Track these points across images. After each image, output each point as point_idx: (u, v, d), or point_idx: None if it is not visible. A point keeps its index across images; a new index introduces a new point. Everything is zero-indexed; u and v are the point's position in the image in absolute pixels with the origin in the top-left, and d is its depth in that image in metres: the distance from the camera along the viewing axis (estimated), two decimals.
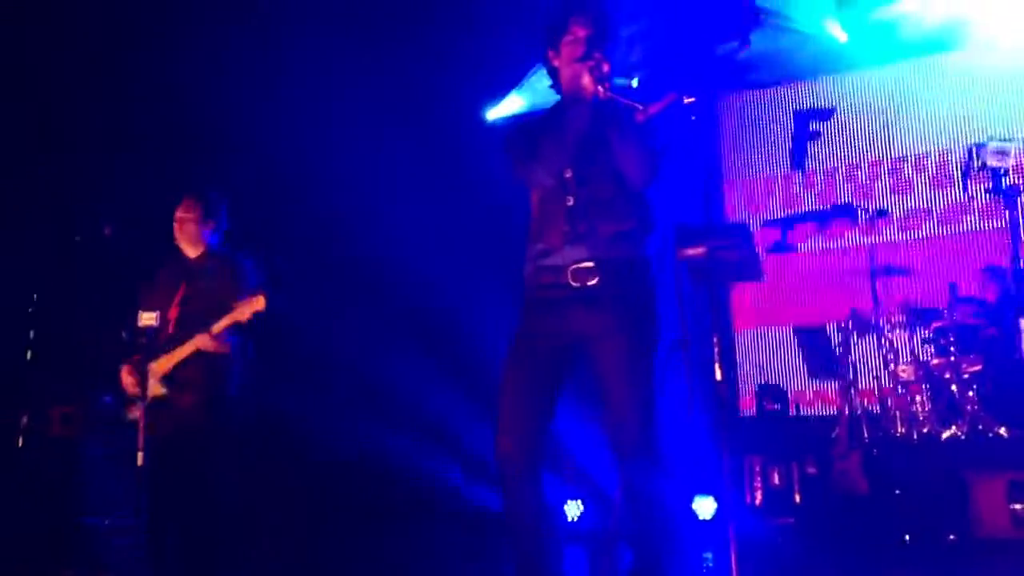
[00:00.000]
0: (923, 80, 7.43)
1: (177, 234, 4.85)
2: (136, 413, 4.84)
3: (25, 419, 5.04)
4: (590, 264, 3.31)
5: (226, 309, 4.51)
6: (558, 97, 3.59)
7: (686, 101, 3.15)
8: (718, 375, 3.04)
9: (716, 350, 3.07)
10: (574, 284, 3.32)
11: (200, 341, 4.53)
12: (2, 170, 6.08)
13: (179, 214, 4.85)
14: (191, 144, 6.71)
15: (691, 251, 3.08)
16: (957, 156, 7.19)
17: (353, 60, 6.89)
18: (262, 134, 6.61)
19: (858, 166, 7.60)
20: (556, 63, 3.55)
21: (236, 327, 4.53)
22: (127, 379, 4.77)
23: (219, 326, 4.50)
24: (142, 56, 6.39)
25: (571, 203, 3.37)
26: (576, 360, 3.40)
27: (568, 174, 3.39)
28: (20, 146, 6.09)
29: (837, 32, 7.40)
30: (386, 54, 7.11)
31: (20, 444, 5.03)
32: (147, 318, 4.36)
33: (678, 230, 3.18)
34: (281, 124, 6.78)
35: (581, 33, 3.43)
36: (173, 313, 4.62)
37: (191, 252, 4.86)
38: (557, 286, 3.35)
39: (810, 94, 7.90)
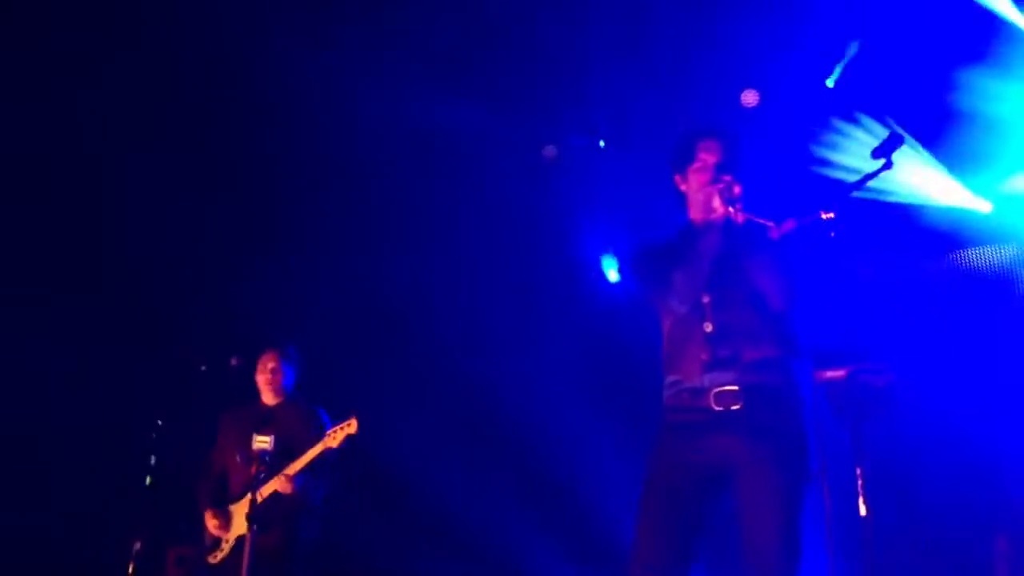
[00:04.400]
0: None
1: (261, 382, 5.22)
2: (219, 557, 4.87)
3: (138, 545, 5.00)
4: (735, 388, 3.06)
5: (300, 455, 4.83)
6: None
7: (824, 217, 3.00)
8: (862, 510, 2.75)
9: (860, 483, 2.78)
10: (716, 408, 3.06)
11: (277, 483, 4.78)
12: (132, 293, 6.25)
13: (265, 364, 5.21)
14: (313, 288, 6.81)
15: (830, 374, 2.83)
16: None
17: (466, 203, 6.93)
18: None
19: None
20: (683, 188, 3.47)
21: (326, 455, 4.80)
22: (211, 522, 4.90)
23: (294, 468, 4.81)
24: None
25: (710, 329, 3.16)
26: (719, 497, 3.10)
27: (705, 299, 3.21)
28: (153, 273, 6.26)
29: (979, 203, 7.08)
30: (505, 193, 7.09)
31: (131, 571, 4.96)
32: (261, 441, 4.43)
33: (816, 352, 2.97)
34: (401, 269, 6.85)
35: (710, 161, 3.34)
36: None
37: (270, 400, 5.22)
38: (697, 410, 3.10)
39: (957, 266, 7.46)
